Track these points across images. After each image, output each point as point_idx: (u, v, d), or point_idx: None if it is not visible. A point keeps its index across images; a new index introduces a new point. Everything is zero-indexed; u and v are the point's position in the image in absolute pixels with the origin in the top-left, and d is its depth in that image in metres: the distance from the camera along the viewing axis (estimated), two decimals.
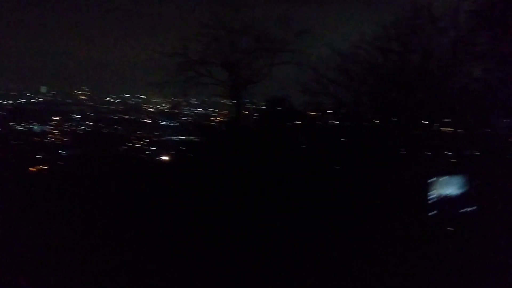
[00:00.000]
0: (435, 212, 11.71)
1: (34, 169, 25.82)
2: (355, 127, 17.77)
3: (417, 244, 11.07)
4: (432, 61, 16.21)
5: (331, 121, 19.03)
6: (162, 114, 39.27)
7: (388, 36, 16.62)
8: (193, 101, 34.06)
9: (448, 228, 11.52)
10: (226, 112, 24.60)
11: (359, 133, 17.44)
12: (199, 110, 35.63)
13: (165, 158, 26.93)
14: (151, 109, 41.53)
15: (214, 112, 31.78)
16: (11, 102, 43.22)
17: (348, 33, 17.68)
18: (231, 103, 20.12)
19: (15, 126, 38.58)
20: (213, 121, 28.94)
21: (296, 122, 19.29)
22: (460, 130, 16.93)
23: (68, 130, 38.78)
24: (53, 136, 37.48)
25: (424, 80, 16.23)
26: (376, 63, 16.98)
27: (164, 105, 38.82)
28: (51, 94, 45.78)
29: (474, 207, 11.53)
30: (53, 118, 39.48)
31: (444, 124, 17.06)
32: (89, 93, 44.66)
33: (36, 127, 38.84)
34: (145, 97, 42.43)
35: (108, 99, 44.08)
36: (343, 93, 17.43)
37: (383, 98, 17.10)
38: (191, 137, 25.04)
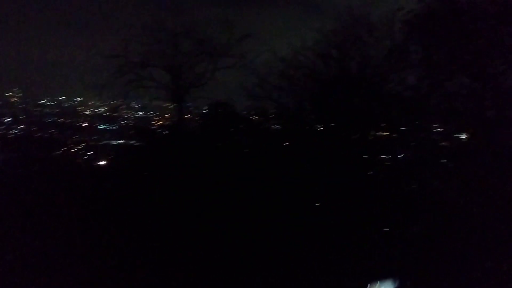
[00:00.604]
0: None
1: None
2: (297, 132, 18.08)
3: None
4: (369, 69, 16.86)
5: (274, 126, 19.27)
6: (100, 118, 37.96)
7: (328, 43, 17.11)
8: (134, 104, 33.20)
9: None
10: (168, 115, 24.24)
11: (301, 137, 17.77)
12: (139, 114, 34.79)
13: (103, 163, 26.04)
14: (88, 112, 39.99)
15: (155, 115, 31.16)
16: None
17: (290, 39, 17.99)
18: (173, 106, 19.83)
19: None
20: (154, 125, 28.35)
21: (239, 126, 19.34)
22: (395, 135, 17.67)
23: None
24: None
25: (361, 86, 16.84)
26: (317, 69, 17.40)
27: (102, 108, 37.58)
28: None
29: None
30: None
31: (380, 129, 17.74)
32: (21, 95, 42.30)
33: None
34: (82, 99, 40.81)
35: (41, 101, 41.91)
36: (286, 98, 17.74)
37: (323, 103, 17.54)
38: (131, 141, 24.42)
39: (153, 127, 27.17)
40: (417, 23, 15.18)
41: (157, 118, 29.88)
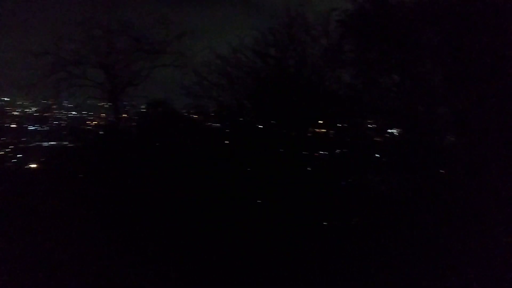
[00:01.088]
0: None
1: None
2: (237, 130, 18.14)
3: None
4: (307, 67, 17.23)
5: (214, 124, 19.21)
6: (30, 118, 36.09)
7: (266, 42, 17.29)
8: (66, 104, 31.86)
9: None
10: (104, 115, 23.55)
11: (241, 135, 17.85)
12: (73, 114, 33.45)
13: (34, 165, 24.85)
14: (17, 113, 37.92)
15: (90, 115, 30.09)
16: None
17: (229, 37, 18.00)
18: (108, 106, 19.25)
19: None
20: (89, 125, 27.39)
21: (178, 125, 19.12)
22: (332, 131, 18.18)
23: None
24: None
25: (299, 84, 17.18)
26: (255, 67, 17.54)
27: (32, 109, 35.78)
28: None
29: None
30: None
31: (318, 126, 18.18)
32: None
33: None
34: (9, 99, 38.61)
35: None
36: (226, 96, 17.74)
37: (263, 101, 17.71)
38: (64, 142, 23.48)
39: (87, 127, 26.30)
40: (351, 23, 15.69)
41: (92, 118, 28.93)
